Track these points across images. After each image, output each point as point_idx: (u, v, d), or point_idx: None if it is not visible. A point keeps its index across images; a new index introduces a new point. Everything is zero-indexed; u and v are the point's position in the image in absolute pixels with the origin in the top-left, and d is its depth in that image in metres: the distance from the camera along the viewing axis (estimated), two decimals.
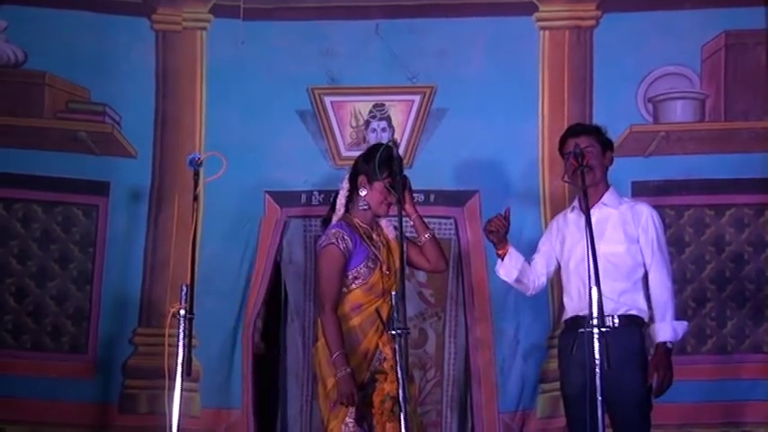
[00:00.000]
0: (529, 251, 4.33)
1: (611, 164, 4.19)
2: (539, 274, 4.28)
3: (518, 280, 4.24)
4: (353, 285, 3.99)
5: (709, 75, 5.23)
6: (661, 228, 4.12)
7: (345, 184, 4.11)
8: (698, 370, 5.00)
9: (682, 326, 4.05)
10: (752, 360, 5.05)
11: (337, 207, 4.11)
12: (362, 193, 4.06)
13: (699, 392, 4.97)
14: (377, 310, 3.93)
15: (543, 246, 4.33)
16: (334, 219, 4.09)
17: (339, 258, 3.96)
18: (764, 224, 5.14)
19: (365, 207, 4.07)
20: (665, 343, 3.97)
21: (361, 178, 4.06)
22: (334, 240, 3.97)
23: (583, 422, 3.53)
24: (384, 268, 4.01)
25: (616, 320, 3.90)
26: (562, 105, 5.23)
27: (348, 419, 3.85)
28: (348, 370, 3.82)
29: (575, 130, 4.21)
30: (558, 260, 4.26)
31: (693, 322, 5.05)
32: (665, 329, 3.97)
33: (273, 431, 5.16)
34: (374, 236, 4.09)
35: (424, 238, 4.12)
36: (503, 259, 4.19)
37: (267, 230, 5.22)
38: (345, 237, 3.97)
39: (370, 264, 4.00)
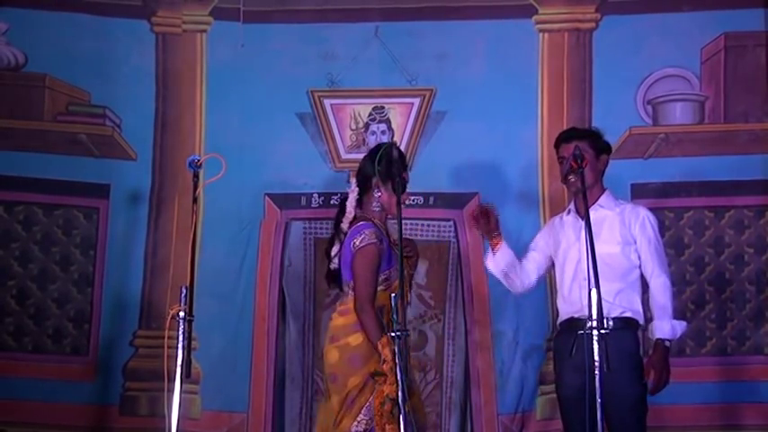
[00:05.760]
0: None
1: (605, 167, 4.19)
2: (529, 273, 4.30)
3: (505, 274, 4.27)
4: (383, 287, 3.96)
5: (708, 77, 5.24)
6: (657, 229, 4.14)
7: (354, 186, 4.10)
8: (697, 372, 5.01)
9: (681, 325, 4.05)
10: (752, 362, 5.05)
11: (348, 209, 4.07)
12: (377, 194, 4.03)
13: (698, 394, 4.98)
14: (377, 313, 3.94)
15: (537, 245, 4.34)
16: (345, 221, 4.06)
17: (377, 258, 3.93)
18: (764, 225, 5.14)
19: (378, 208, 4.05)
20: (663, 341, 3.97)
21: (376, 179, 4.02)
22: (374, 240, 3.92)
23: (579, 424, 3.53)
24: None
25: (611, 323, 3.87)
26: (561, 108, 5.24)
27: (361, 417, 3.85)
28: None
29: (567, 135, 4.22)
30: (552, 261, 4.27)
31: (693, 324, 5.05)
32: (664, 327, 3.97)
33: None
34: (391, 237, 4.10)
35: None
36: (494, 252, 4.23)
37: (268, 233, 5.23)
38: (382, 238, 3.96)
39: (398, 267, 3.94)
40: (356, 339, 3.91)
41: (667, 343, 3.98)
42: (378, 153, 4.03)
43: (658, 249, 4.10)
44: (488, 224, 4.19)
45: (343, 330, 3.96)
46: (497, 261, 4.25)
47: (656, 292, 4.03)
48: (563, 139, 4.18)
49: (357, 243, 3.94)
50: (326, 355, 3.99)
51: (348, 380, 3.89)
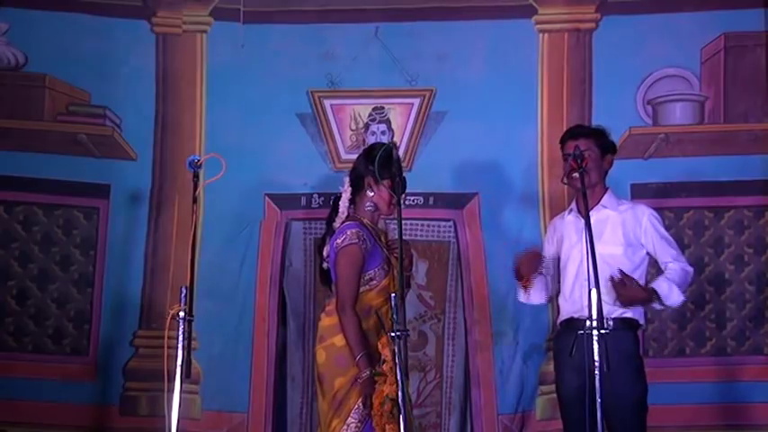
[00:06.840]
0: None
1: (610, 167, 4.18)
2: (541, 292, 4.25)
3: (549, 298, 4.27)
4: (367, 287, 3.95)
5: (708, 77, 5.24)
6: (662, 225, 4.13)
7: (347, 186, 4.09)
8: (697, 372, 5.02)
9: (680, 299, 3.98)
10: (752, 362, 5.05)
11: (341, 209, 4.06)
12: (370, 193, 4.02)
13: (698, 395, 4.98)
14: (376, 313, 3.93)
15: (548, 252, 4.30)
16: (338, 221, 4.06)
17: (359, 258, 3.91)
18: (764, 226, 5.15)
19: (371, 208, 4.04)
20: (658, 295, 3.92)
21: (369, 179, 4.00)
22: (355, 240, 3.91)
23: (579, 425, 3.53)
24: (395, 271, 3.99)
25: (611, 323, 3.86)
26: (561, 108, 5.24)
27: (350, 420, 3.84)
28: (369, 372, 3.79)
29: (574, 132, 4.20)
30: None
31: (692, 324, 5.07)
32: (672, 294, 3.92)
33: None
34: (382, 237, 4.09)
35: None
36: (528, 289, 4.18)
37: (268, 233, 5.23)
38: (365, 237, 3.94)
39: (385, 266, 3.98)
40: (341, 340, 3.90)
41: (659, 305, 3.95)
42: (372, 153, 4.01)
43: (669, 239, 4.09)
44: (532, 268, 4.12)
45: (329, 331, 3.95)
46: (536, 296, 4.22)
47: (680, 270, 3.98)
48: (570, 135, 4.16)
49: (339, 243, 3.94)
50: (316, 356, 4.00)
51: (335, 381, 3.88)
